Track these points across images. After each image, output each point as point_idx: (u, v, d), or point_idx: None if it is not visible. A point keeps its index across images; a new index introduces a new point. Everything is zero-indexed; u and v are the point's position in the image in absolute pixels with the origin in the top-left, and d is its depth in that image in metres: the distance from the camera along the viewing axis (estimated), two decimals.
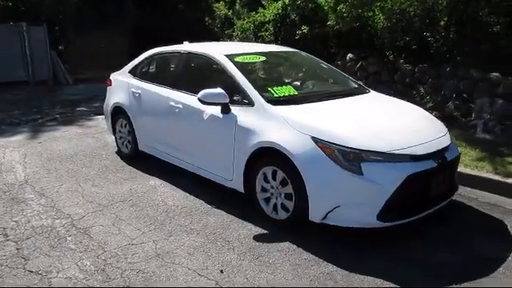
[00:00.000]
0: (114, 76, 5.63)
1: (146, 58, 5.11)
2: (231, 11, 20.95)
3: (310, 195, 3.13)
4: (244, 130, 3.58)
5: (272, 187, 3.48)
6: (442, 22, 8.69)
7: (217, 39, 16.12)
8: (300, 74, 4.39)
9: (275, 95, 3.70)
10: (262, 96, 3.63)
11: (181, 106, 4.24)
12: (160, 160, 4.84)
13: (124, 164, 5.19)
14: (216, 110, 3.82)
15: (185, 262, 3.06)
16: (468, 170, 4.32)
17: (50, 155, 5.59)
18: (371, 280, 2.80)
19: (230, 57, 4.08)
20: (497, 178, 4.19)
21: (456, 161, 3.55)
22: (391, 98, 4.25)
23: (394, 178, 3.03)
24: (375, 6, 8.94)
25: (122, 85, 5.27)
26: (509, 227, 3.53)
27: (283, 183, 3.37)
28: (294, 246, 3.21)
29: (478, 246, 3.24)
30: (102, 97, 8.91)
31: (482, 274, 2.86)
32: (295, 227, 3.41)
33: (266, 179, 3.52)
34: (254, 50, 4.44)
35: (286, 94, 3.74)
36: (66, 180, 4.69)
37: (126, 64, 5.42)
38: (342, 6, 9.02)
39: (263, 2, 21.09)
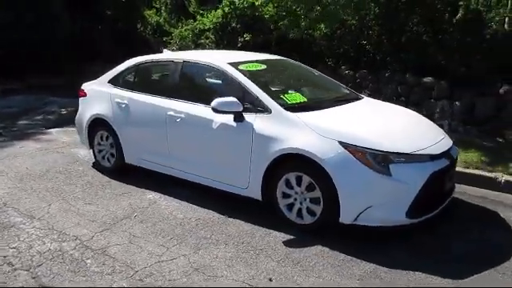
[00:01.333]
0: (88, 86, 5.32)
1: (130, 68, 4.90)
2: (162, 18, 20.62)
3: (341, 198, 3.24)
4: (263, 138, 3.59)
5: (296, 193, 3.53)
6: (375, 31, 9.45)
7: (152, 47, 15.77)
8: (300, 82, 4.50)
9: (289, 102, 3.76)
10: (278, 103, 3.68)
11: (183, 115, 4.14)
12: (149, 172, 4.67)
13: (109, 179, 4.91)
14: (227, 119, 3.79)
15: (228, 273, 3.00)
16: None
17: (17, 174, 5.11)
18: (412, 274, 2.97)
19: (234, 65, 4.07)
20: (477, 172, 4.64)
21: (457, 158, 3.88)
22: (385, 102, 4.51)
23: (420, 176, 3.25)
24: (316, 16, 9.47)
25: (102, 95, 5.00)
26: (501, 216, 3.92)
27: (309, 188, 3.44)
28: (327, 249, 3.29)
29: (485, 234, 3.57)
30: (41, 109, 8.30)
31: (502, 259, 3.16)
32: (320, 231, 3.48)
33: (288, 185, 3.56)
34: (251, 58, 4.47)
35: (298, 101, 3.82)
36: (51, 199, 4.34)
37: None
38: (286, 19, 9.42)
39: (190, 10, 21.07)
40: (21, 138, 6.96)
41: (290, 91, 3.98)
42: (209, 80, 4.37)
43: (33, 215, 3.98)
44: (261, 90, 3.77)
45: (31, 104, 9.63)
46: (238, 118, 3.74)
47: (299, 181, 3.48)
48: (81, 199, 4.35)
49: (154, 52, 15.44)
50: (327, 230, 3.47)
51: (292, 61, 4.90)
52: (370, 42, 9.40)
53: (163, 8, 21.48)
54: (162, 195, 4.39)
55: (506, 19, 10.02)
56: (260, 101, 3.72)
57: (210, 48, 11.99)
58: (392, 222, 3.27)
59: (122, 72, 4.94)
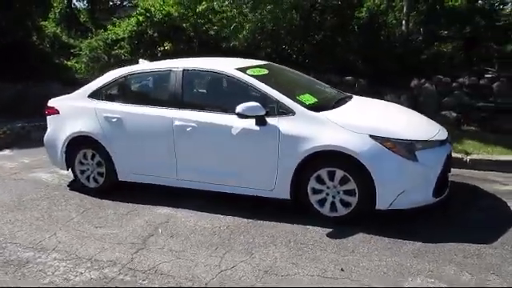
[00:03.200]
0: (59, 102, 4.91)
1: (116, 80, 4.65)
2: (59, 28, 19.23)
3: (378, 187, 3.52)
4: (290, 138, 3.73)
5: (328, 187, 3.73)
6: (292, 35, 10.18)
7: (51, 61, 14.58)
8: (299, 84, 4.69)
9: (307, 102, 3.95)
10: (300, 104, 3.85)
11: (194, 124, 4.08)
12: (138, 187, 4.50)
13: (100, 200, 4.58)
14: (248, 124, 3.85)
15: (299, 270, 3.09)
16: None
17: None
18: (454, 245, 3.34)
19: (243, 71, 4.14)
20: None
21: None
22: (371, 99, 4.94)
23: (439, 159, 3.68)
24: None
25: (84, 111, 4.66)
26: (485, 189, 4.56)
27: (342, 181, 3.66)
28: (371, 235, 3.54)
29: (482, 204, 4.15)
30: None
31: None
32: (354, 221, 3.72)
33: (319, 181, 3.74)
34: (249, 63, 4.56)
35: (313, 102, 4.03)
36: (52, 228, 3.95)
37: None
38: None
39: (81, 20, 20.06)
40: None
41: (300, 93, 4.16)
42: (219, 87, 4.35)
43: (43, 247, 3.60)
44: (280, 94, 3.89)
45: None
46: (261, 121, 3.82)
47: (331, 175, 3.69)
48: (86, 223, 4.03)
49: (56, 67, 14.21)
50: (359, 219, 3.72)
51: (278, 65, 5.09)
52: (291, 45, 10.08)
53: (51, 17, 20.01)
54: (172, 208, 4.26)
55: (403, 21, 11.46)
56: (281, 103, 3.85)
57: (126, 58, 11.56)
58: (423, 202, 3.64)
59: (107, 85, 4.66)
